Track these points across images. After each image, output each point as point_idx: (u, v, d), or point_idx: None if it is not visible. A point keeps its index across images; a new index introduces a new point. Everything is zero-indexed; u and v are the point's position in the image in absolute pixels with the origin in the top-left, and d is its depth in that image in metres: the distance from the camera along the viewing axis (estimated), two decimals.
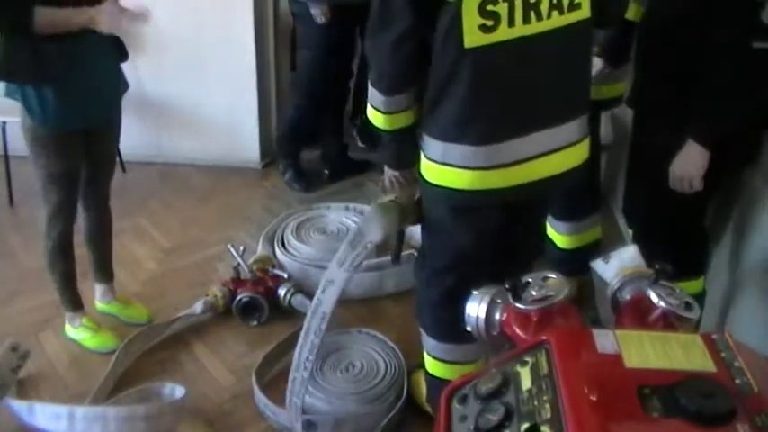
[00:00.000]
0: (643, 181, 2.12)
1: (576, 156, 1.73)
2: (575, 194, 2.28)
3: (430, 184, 1.73)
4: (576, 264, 2.42)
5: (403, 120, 1.81)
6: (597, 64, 2.28)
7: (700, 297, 2.07)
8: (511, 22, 1.51)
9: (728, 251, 2.14)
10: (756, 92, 1.78)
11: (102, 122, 2.29)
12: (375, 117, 1.85)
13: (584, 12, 1.59)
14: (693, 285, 2.06)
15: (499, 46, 1.53)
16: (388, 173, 1.97)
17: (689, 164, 1.86)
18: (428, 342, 1.97)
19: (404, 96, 1.75)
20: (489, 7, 1.49)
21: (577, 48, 1.67)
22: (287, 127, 3.60)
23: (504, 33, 1.52)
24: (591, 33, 1.69)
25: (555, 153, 1.68)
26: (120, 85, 2.34)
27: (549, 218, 2.53)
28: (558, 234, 2.58)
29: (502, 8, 1.50)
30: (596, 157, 2.58)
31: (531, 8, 1.51)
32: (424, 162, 1.74)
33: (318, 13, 3.14)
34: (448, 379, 1.87)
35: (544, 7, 1.52)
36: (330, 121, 3.63)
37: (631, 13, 2.21)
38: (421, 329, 2.00)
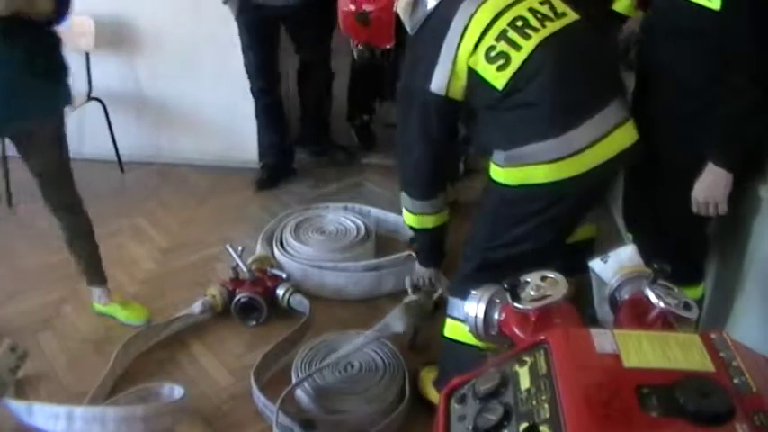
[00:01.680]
0: (645, 191, 2.08)
1: (627, 136, 1.81)
2: None
3: (507, 186, 1.82)
4: (572, 261, 2.42)
5: (432, 221, 2.09)
6: None
7: (699, 302, 2.05)
8: (517, 48, 1.73)
9: (730, 254, 2.14)
10: None
11: (15, 134, 2.29)
12: (406, 216, 2.12)
13: (572, 16, 1.81)
14: (693, 292, 2.04)
15: (525, 65, 1.73)
16: (419, 271, 2.37)
17: (714, 188, 1.79)
18: (459, 307, 1.89)
19: (433, 202, 2.05)
20: (492, 53, 1.75)
21: (587, 39, 1.83)
22: None
23: (518, 57, 1.73)
24: (590, 29, 1.84)
25: (610, 135, 1.77)
26: (45, 100, 2.23)
27: None
28: None
29: (501, 45, 1.74)
30: None
31: (524, 29, 1.74)
32: (498, 170, 1.84)
33: None
34: (468, 343, 1.83)
35: (535, 23, 1.75)
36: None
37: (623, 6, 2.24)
38: (452, 298, 1.99)
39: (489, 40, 1.75)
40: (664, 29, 1.83)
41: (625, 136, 1.80)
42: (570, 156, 1.73)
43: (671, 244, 1.97)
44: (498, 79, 1.74)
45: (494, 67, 1.74)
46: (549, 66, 1.73)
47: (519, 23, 1.75)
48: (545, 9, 1.78)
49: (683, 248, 1.99)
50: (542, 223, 1.82)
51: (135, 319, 2.60)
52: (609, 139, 1.76)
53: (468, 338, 1.89)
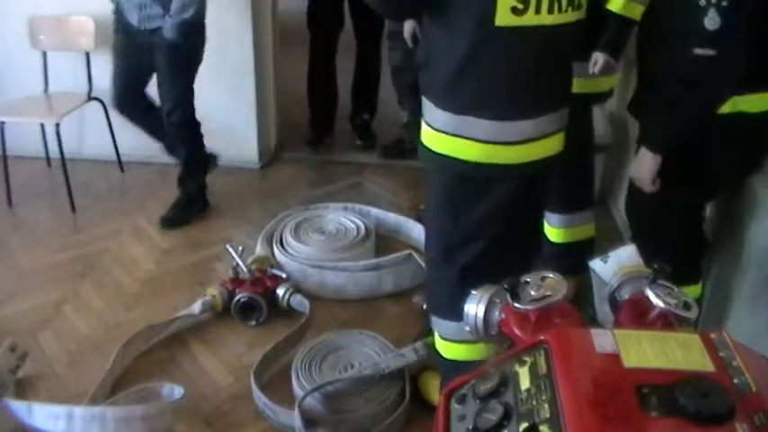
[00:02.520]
0: (639, 213, 2.15)
1: (559, 142, 1.82)
2: (567, 186, 2.28)
3: (437, 153, 1.77)
4: (570, 260, 2.45)
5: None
6: (600, 59, 2.29)
7: (698, 300, 2.08)
8: (538, 9, 1.59)
9: (729, 252, 2.14)
10: (698, 99, 1.79)
11: None
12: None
13: (583, 12, 1.69)
14: (692, 290, 2.06)
15: (524, 30, 1.60)
16: None
17: (638, 167, 1.92)
18: (444, 326, 1.94)
19: None
20: None
21: (574, 44, 1.76)
22: None
23: (530, 18, 1.59)
24: (582, 33, 1.76)
25: (550, 137, 1.77)
26: None
27: (545, 212, 2.55)
28: (550, 227, 2.61)
29: None
30: (589, 152, 2.60)
31: (556, 1, 1.61)
32: (429, 132, 1.77)
33: None
34: (466, 360, 1.86)
35: (564, 1, 1.62)
36: None
37: (629, 9, 2.23)
38: (434, 317, 1.97)
39: None
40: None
41: (554, 144, 1.79)
42: (503, 144, 1.71)
43: (669, 242, 1.99)
44: (503, 16, 1.57)
45: (511, 2, 1.56)
46: (534, 49, 1.64)
47: None
48: None
49: (680, 247, 2.02)
50: (487, 212, 1.79)
51: None
52: (541, 142, 1.75)
53: (466, 355, 1.90)
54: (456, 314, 1.88)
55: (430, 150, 1.79)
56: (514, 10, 1.57)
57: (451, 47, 1.66)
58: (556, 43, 1.68)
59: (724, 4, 1.64)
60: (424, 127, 1.80)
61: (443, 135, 1.74)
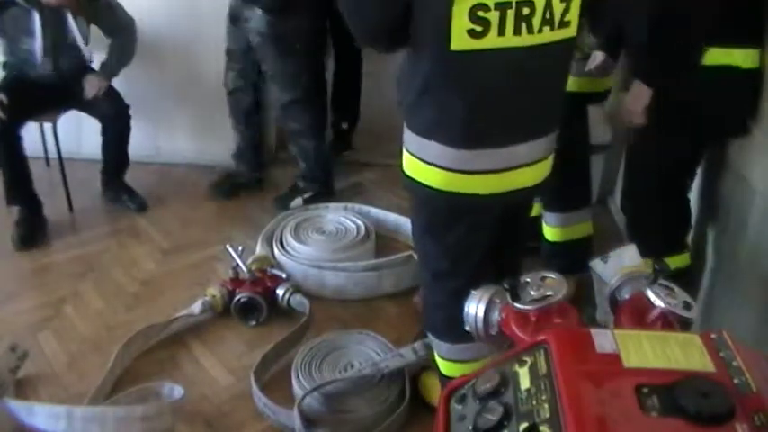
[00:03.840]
0: (635, 166, 2.30)
1: (543, 170, 1.74)
2: (564, 186, 2.30)
3: (408, 177, 1.73)
4: (569, 259, 2.50)
5: None
6: (599, 56, 2.30)
7: (685, 270, 2.18)
8: (501, 32, 1.48)
9: (727, 250, 2.15)
10: (680, 35, 1.91)
11: None
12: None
13: (572, 30, 1.57)
14: (680, 259, 2.17)
15: (486, 53, 1.49)
16: None
17: (634, 100, 2.04)
18: (441, 347, 1.94)
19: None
20: (480, 13, 1.45)
21: (560, 65, 1.66)
22: None
23: (492, 41, 1.48)
24: (573, 52, 1.69)
25: (529, 167, 1.68)
26: None
27: (542, 211, 2.60)
28: (547, 226, 2.63)
29: (493, 16, 1.45)
30: (585, 151, 2.61)
31: (522, 20, 1.48)
32: (405, 155, 1.73)
33: None
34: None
35: (536, 21, 1.49)
36: None
37: None
38: (431, 335, 1.97)
39: None
40: None
41: (533, 175, 1.70)
42: (466, 173, 1.63)
43: (652, 214, 2.19)
44: (459, 40, 1.47)
45: (466, 24, 1.45)
46: (500, 74, 1.53)
47: (526, 11, 1.47)
48: (558, 8, 1.51)
49: (665, 211, 2.20)
50: (468, 237, 1.75)
51: None
52: (516, 172, 1.66)
53: (466, 373, 1.90)
54: (453, 337, 1.90)
55: (404, 172, 1.74)
56: (472, 33, 1.46)
57: (414, 70, 1.59)
58: (531, 67, 1.54)
59: None
60: (403, 147, 1.75)
61: (412, 158, 1.69)
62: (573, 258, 2.49)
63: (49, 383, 2.33)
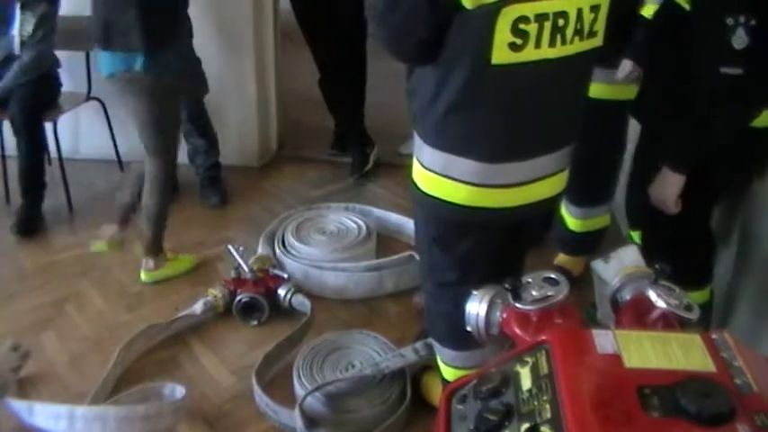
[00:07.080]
0: (645, 191, 2.11)
1: (559, 183, 1.72)
2: (590, 185, 2.28)
3: (425, 194, 1.69)
4: (584, 244, 2.62)
5: None
6: (627, 66, 2.27)
7: (705, 306, 2.06)
8: (538, 44, 1.46)
9: (732, 253, 2.14)
10: (725, 118, 1.77)
11: None
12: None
13: (598, 40, 1.56)
14: (697, 296, 2.03)
15: (522, 66, 1.48)
16: None
17: (663, 188, 1.88)
18: (446, 353, 1.92)
19: None
20: (521, 26, 1.42)
21: (584, 76, 1.66)
22: None
23: (529, 54, 1.47)
24: (593, 61, 1.65)
25: (549, 178, 1.67)
26: None
27: (564, 200, 2.58)
28: (570, 217, 2.68)
29: (532, 28, 1.43)
30: (620, 154, 2.60)
31: (558, 31, 1.46)
32: (420, 171, 1.70)
33: None
34: None
35: (569, 32, 1.48)
36: None
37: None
38: (435, 342, 1.96)
39: (530, 9, 1.42)
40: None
41: (553, 186, 1.70)
42: (494, 187, 1.61)
43: (671, 244, 1.98)
44: (501, 53, 1.44)
45: (508, 38, 1.43)
46: (532, 86, 1.52)
47: (561, 22, 1.45)
48: (588, 17, 1.49)
49: (685, 249, 1.99)
50: (477, 250, 1.72)
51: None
52: (537, 184, 1.65)
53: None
54: (458, 345, 1.89)
55: (417, 188, 1.71)
56: (512, 46, 1.43)
57: (443, 84, 1.55)
58: (560, 77, 1.54)
59: (752, 23, 1.64)
60: (414, 162, 1.72)
61: (430, 174, 1.66)
62: (588, 243, 2.61)
63: (50, 383, 2.33)
